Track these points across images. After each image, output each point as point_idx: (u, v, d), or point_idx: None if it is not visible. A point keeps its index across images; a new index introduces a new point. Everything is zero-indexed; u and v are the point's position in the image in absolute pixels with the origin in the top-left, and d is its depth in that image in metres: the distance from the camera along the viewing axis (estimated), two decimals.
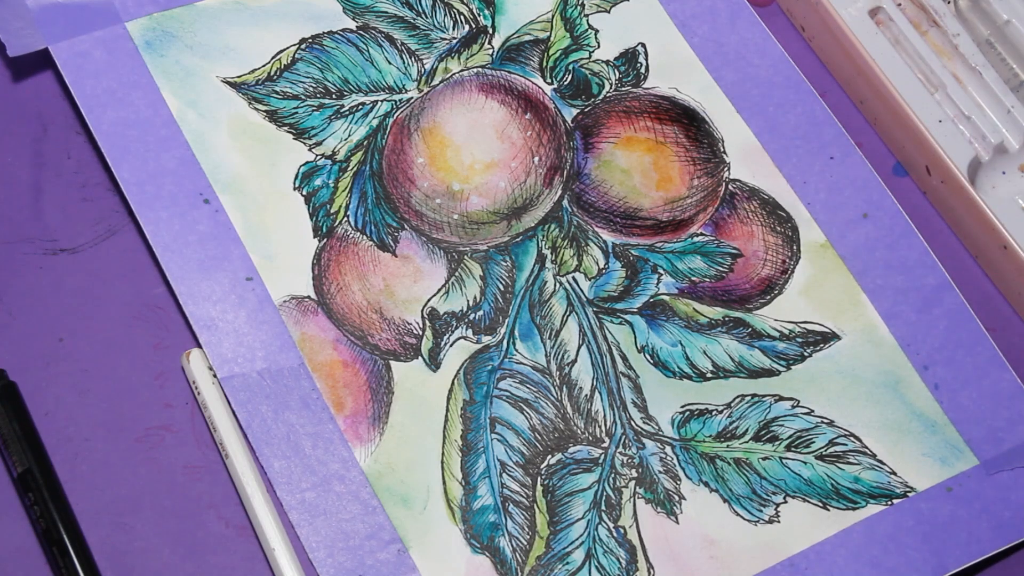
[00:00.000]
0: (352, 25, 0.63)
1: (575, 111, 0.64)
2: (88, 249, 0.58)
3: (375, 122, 0.62)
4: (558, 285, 0.60)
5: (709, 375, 0.60)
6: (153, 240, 0.57)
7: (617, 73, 0.65)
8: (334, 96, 0.62)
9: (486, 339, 0.59)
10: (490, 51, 0.64)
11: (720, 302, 0.61)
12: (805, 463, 0.59)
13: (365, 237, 0.60)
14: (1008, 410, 0.61)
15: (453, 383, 0.58)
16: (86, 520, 0.53)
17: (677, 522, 0.57)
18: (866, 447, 0.59)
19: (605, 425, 0.58)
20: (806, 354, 0.61)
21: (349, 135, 0.61)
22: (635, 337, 0.60)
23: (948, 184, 0.65)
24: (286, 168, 0.60)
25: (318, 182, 0.60)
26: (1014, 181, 0.65)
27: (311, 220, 0.59)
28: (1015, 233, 0.63)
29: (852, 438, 0.59)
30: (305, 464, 0.55)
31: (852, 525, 0.57)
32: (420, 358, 0.58)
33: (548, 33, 0.65)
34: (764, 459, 0.58)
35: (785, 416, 0.59)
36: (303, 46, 0.62)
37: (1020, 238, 0.63)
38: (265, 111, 0.61)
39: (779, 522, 0.57)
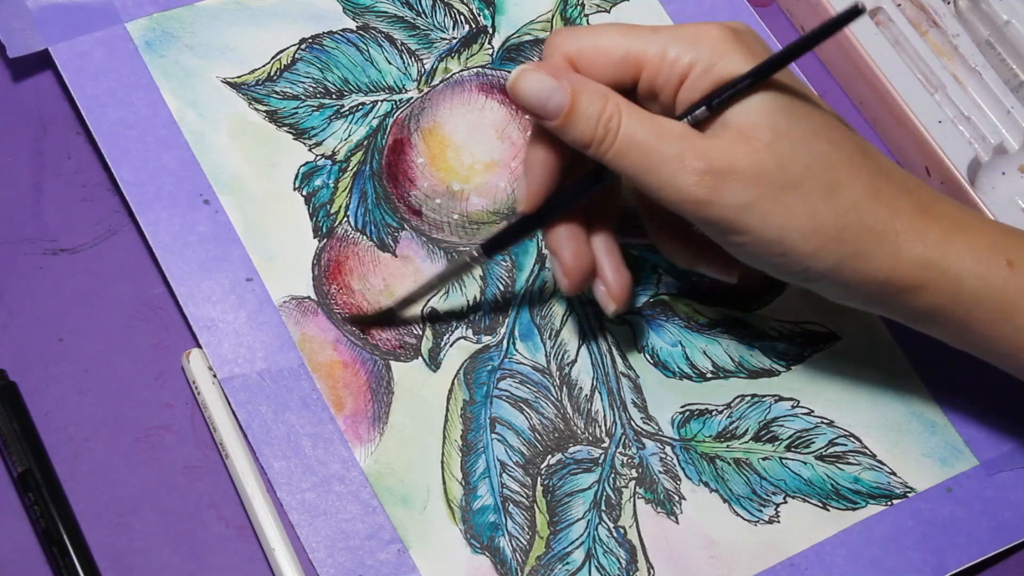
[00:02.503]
0: (352, 25, 0.63)
1: None
2: (88, 249, 0.58)
3: (375, 122, 0.62)
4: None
5: (709, 375, 0.60)
6: (153, 241, 0.57)
7: None
8: (334, 96, 0.62)
9: (486, 339, 0.59)
10: (490, 51, 0.64)
11: (720, 302, 0.61)
12: (805, 463, 0.59)
13: (365, 237, 0.60)
14: (1008, 410, 0.61)
15: (453, 383, 0.58)
16: (86, 520, 0.53)
17: (677, 522, 0.57)
18: (866, 447, 0.59)
19: (605, 425, 0.58)
20: (806, 354, 0.61)
21: (349, 135, 0.61)
22: (635, 337, 0.60)
23: (948, 185, 0.65)
24: (286, 168, 0.60)
25: (318, 182, 0.60)
26: (1014, 182, 0.65)
27: (311, 220, 0.59)
28: None
29: (852, 438, 0.59)
30: (305, 464, 0.55)
31: (852, 525, 0.58)
32: (420, 358, 0.58)
33: (548, 33, 0.65)
34: (764, 459, 0.58)
35: (785, 416, 0.59)
36: (303, 46, 0.62)
37: None
38: (265, 111, 0.61)
39: (779, 522, 0.57)
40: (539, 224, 0.53)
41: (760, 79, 0.49)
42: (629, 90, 0.51)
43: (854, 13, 0.47)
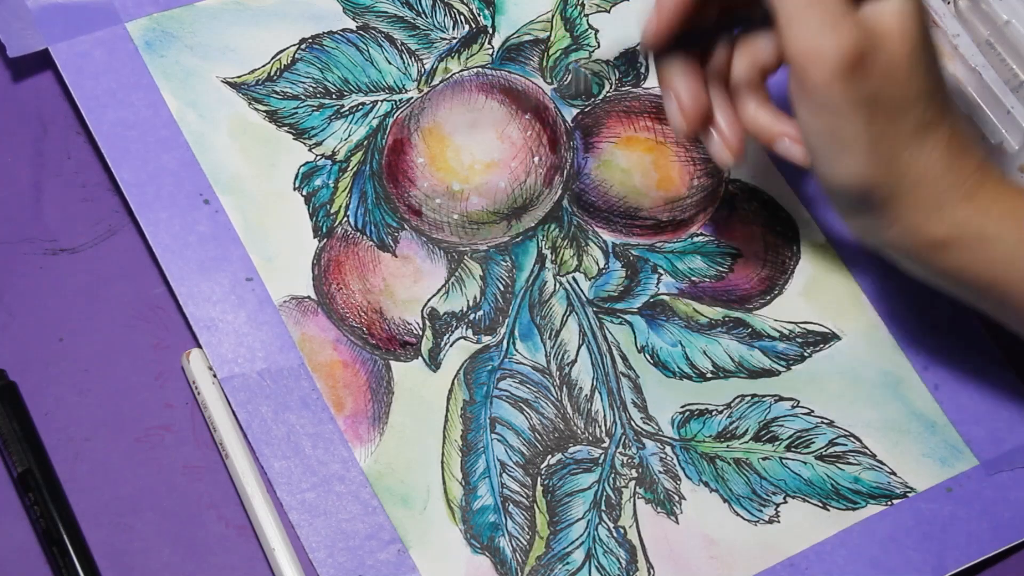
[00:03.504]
0: (352, 25, 0.63)
1: (575, 111, 0.64)
2: (88, 249, 0.58)
3: (375, 122, 0.62)
4: (558, 285, 0.60)
5: (709, 375, 0.60)
6: (153, 241, 0.57)
7: (617, 73, 0.65)
8: (334, 96, 0.62)
9: (486, 339, 0.59)
10: (490, 51, 0.64)
11: (720, 302, 0.61)
12: (805, 463, 0.59)
13: (365, 237, 0.60)
14: (1008, 410, 0.61)
15: (453, 383, 0.58)
16: (86, 520, 0.53)
17: (677, 522, 0.57)
18: (866, 447, 0.59)
19: (605, 425, 0.58)
20: (806, 354, 0.61)
21: (349, 135, 0.61)
22: (635, 337, 0.60)
23: None
24: (286, 168, 0.60)
25: (318, 182, 0.60)
26: (1014, 182, 0.65)
27: (311, 220, 0.59)
28: None
29: (852, 438, 0.59)
30: (305, 464, 0.55)
31: (852, 525, 0.58)
32: (420, 358, 0.58)
33: (548, 33, 0.65)
34: (764, 459, 0.58)
35: (785, 416, 0.59)
36: (303, 46, 0.62)
37: None
38: (265, 111, 0.61)
39: (779, 522, 0.57)
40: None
41: None
42: None
43: None
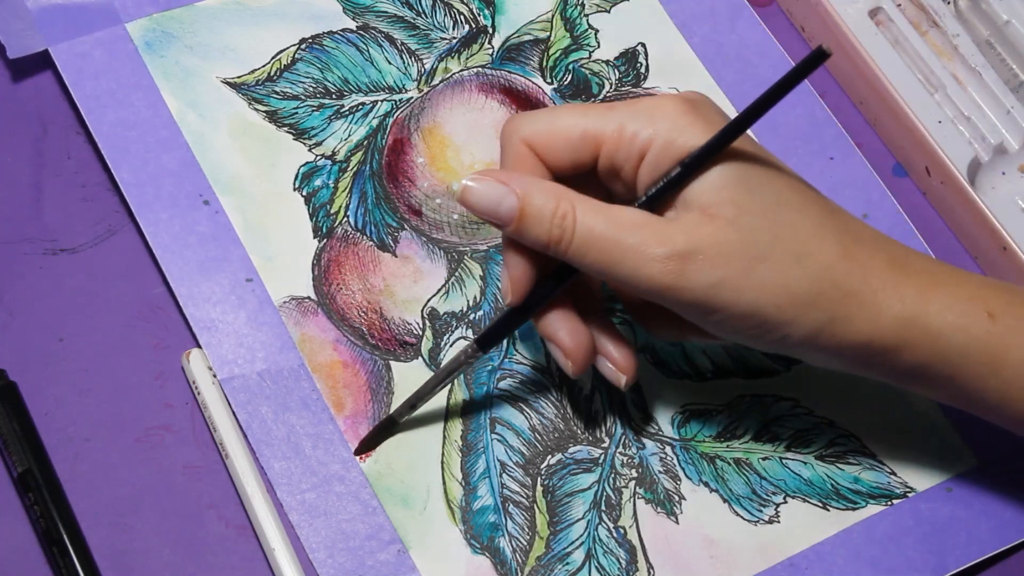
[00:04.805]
0: (352, 25, 0.63)
1: None
2: (88, 249, 0.58)
3: (375, 122, 0.62)
4: None
5: (709, 375, 0.60)
6: (153, 241, 0.57)
7: (617, 73, 0.65)
8: (334, 96, 0.62)
9: None
10: (490, 51, 0.64)
11: None
12: (805, 463, 0.59)
13: (365, 237, 0.60)
14: None
15: (453, 383, 0.58)
16: (86, 520, 0.53)
17: (677, 522, 0.57)
18: (866, 447, 0.59)
19: (605, 425, 0.58)
20: None
21: (349, 135, 0.61)
22: (635, 337, 0.60)
23: (948, 185, 0.65)
24: (286, 168, 0.60)
25: (318, 182, 0.60)
26: (1014, 181, 0.65)
27: (311, 220, 0.59)
28: (1015, 234, 0.63)
29: (852, 438, 0.59)
30: (305, 465, 0.55)
31: (852, 525, 0.58)
32: (420, 358, 0.58)
33: (548, 33, 0.65)
34: (764, 459, 0.58)
35: (785, 416, 0.59)
36: (303, 46, 0.63)
37: (1020, 239, 0.63)
38: (265, 111, 0.61)
39: (779, 522, 0.57)
40: (528, 313, 0.52)
41: (716, 152, 0.48)
42: (591, 170, 0.50)
43: (820, 57, 0.44)
